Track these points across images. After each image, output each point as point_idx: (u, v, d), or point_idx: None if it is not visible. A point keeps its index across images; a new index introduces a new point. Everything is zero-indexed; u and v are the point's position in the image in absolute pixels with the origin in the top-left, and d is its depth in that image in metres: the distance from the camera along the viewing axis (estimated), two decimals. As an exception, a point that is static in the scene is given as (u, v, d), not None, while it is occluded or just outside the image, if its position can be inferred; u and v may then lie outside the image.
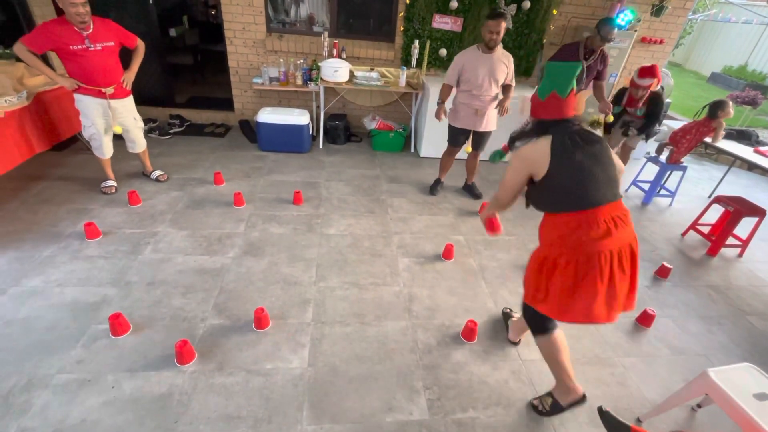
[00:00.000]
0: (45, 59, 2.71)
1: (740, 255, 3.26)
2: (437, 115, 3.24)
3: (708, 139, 3.63)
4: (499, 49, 3.06)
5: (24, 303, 2.09)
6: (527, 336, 2.14)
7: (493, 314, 2.34)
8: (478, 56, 3.05)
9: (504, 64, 3.07)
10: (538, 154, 1.50)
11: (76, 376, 1.75)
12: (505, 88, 3.21)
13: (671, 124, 5.63)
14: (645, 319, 2.38)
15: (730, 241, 3.22)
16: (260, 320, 2.06)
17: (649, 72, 3.37)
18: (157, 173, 3.41)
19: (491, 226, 1.95)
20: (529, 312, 1.75)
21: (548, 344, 1.72)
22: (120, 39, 2.80)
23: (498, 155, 2.61)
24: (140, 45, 2.95)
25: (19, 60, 3.18)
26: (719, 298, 2.74)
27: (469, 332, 2.12)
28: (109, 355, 1.86)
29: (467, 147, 3.45)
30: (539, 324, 1.73)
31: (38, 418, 1.58)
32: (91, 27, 2.61)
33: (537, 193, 1.60)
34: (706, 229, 3.43)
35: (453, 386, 1.89)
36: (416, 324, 2.22)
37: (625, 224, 1.49)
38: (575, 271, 1.47)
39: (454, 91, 3.27)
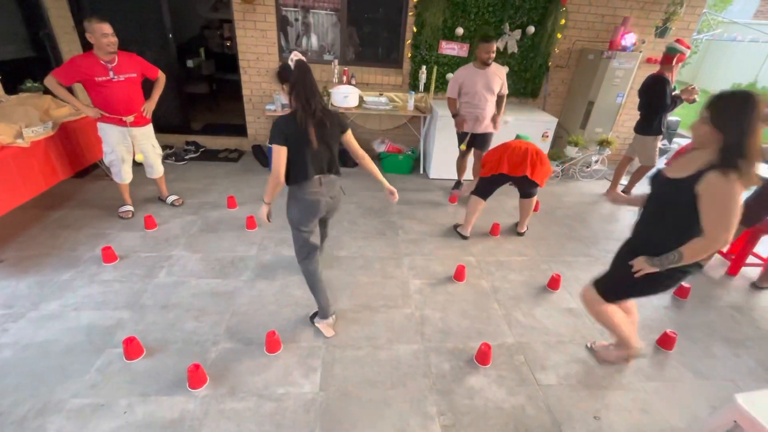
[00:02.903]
0: (71, 92, 2.85)
1: (762, 274, 3.15)
2: (458, 126, 3.68)
3: None
4: (494, 65, 3.49)
5: (42, 327, 2.13)
6: (547, 361, 2.08)
7: (506, 338, 2.30)
8: (475, 72, 3.50)
9: (498, 76, 3.51)
10: None
11: (89, 401, 1.75)
12: (499, 99, 3.62)
13: (682, 142, 5.59)
14: (666, 342, 2.30)
15: (751, 260, 3.13)
16: (272, 344, 2.05)
17: (682, 41, 3.68)
18: (172, 198, 3.50)
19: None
20: (481, 183, 3.17)
21: (476, 202, 3.18)
22: (142, 71, 2.95)
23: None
24: (161, 77, 3.10)
25: (46, 92, 3.36)
26: (743, 319, 2.64)
27: (482, 356, 2.08)
28: (122, 379, 1.87)
29: (462, 146, 3.83)
30: (482, 191, 3.17)
31: (51, 444, 1.58)
32: (116, 60, 2.77)
33: None
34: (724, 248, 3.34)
35: (468, 412, 1.84)
36: (429, 347, 2.19)
37: (526, 143, 3.01)
38: (500, 156, 2.98)
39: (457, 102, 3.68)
